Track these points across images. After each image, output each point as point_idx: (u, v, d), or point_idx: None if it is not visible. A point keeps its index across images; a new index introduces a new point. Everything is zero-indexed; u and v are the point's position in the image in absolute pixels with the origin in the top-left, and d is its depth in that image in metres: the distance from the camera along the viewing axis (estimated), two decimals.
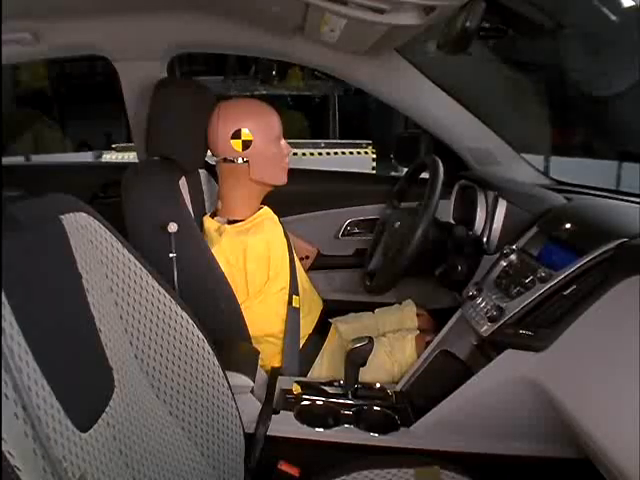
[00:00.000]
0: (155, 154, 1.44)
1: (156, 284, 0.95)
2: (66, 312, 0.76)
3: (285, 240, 1.51)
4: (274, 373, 1.36)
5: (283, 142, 1.48)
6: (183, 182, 1.41)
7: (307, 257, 1.89)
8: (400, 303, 1.80)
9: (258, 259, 1.39)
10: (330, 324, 1.64)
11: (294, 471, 1.14)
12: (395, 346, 1.55)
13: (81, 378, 0.74)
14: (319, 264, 2.00)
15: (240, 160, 1.40)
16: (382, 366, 1.51)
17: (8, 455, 0.57)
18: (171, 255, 1.24)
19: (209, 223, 1.44)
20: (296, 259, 1.54)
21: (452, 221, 1.76)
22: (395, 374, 1.51)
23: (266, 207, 1.51)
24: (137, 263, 0.93)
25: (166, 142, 1.42)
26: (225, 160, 1.41)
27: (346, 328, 1.66)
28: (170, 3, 1.50)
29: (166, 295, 0.97)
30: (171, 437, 0.94)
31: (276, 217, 1.53)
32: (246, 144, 1.39)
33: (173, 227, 1.23)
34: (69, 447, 0.68)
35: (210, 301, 1.29)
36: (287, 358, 1.43)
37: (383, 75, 1.72)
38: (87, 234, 0.85)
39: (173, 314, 0.97)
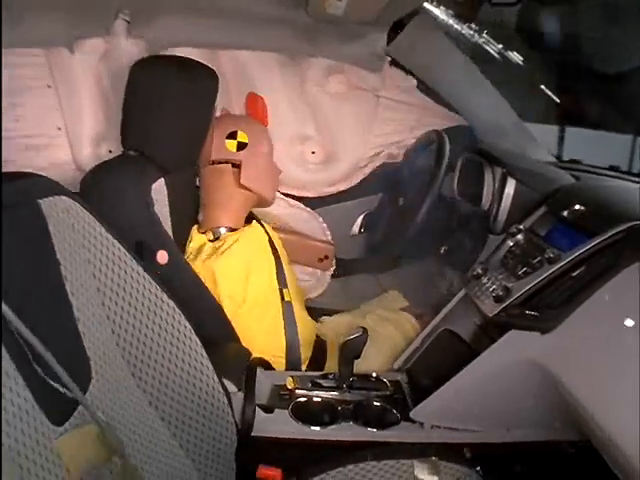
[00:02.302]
0: (129, 146, 1.27)
1: (141, 270, 0.92)
2: (41, 301, 0.73)
3: (270, 257, 1.43)
4: (252, 366, 1.23)
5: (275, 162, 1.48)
6: (160, 185, 1.24)
7: (326, 257, 1.78)
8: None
9: (230, 282, 1.31)
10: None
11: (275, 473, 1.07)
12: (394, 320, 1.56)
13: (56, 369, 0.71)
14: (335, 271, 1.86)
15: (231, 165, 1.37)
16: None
17: None
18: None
19: (196, 238, 1.40)
20: (282, 254, 1.49)
21: (457, 196, 1.71)
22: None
23: (254, 222, 1.46)
24: (121, 248, 0.90)
25: (142, 133, 1.25)
26: (214, 163, 1.38)
27: (336, 324, 1.64)
28: None
29: (152, 282, 0.93)
30: (150, 428, 0.91)
31: (262, 230, 1.45)
32: (241, 145, 1.38)
33: (164, 258, 1.15)
34: (44, 442, 0.66)
35: (195, 314, 1.11)
36: (291, 350, 1.40)
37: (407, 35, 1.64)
38: (68, 218, 0.81)
39: (159, 301, 0.94)
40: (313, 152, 1.81)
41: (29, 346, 0.64)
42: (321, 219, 1.81)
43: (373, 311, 1.68)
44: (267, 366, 1.29)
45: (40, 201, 0.76)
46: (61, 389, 0.67)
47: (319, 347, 1.53)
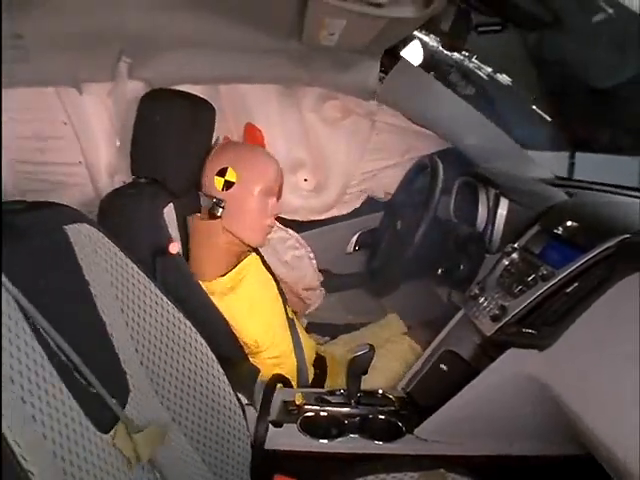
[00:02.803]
0: (139, 174, 1.33)
1: (159, 292, 0.96)
2: (78, 317, 0.77)
3: (273, 285, 1.44)
4: (271, 382, 1.28)
5: (273, 201, 1.35)
6: (170, 209, 1.29)
7: (295, 312, 1.74)
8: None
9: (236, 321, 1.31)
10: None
11: None
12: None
13: (99, 380, 0.74)
14: (332, 286, 1.91)
15: (220, 204, 1.29)
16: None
17: (22, 459, 0.57)
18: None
19: None
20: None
21: (453, 218, 1.74)
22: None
23: (248, 259, 1.37)
24: (140, 272, 0.94)
25: (151, 161, 1.30)
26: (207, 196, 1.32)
27: (342, 352, 1.64)
28: None
29: (169, 303, 0.97)
30: (174, 443, 0.94)
31: (258, 260, 1.42)
32: (228, 184, 1.28)
33: (175, 247, 1.18)
34: (90, 448, 0.69)
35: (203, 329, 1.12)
36: (300, 373, 1.42)
37: (392, 80, 1.66)
38: (91, 244, 0.85)
39: (176, 321, 0.98)
40: (305, 179, 1.84)
41: (70, 360, 0.68)
42: (309, 248, 1.83)
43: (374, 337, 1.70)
44: (286, 382, 1.30)
45: (66, 227, 0.81)
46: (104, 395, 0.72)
47: (319, 364, 1.55)
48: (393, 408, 1.29)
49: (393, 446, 1.19)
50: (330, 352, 1.65)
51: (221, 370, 1.03)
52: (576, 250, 1.14)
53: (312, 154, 1.81)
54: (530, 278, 1.19)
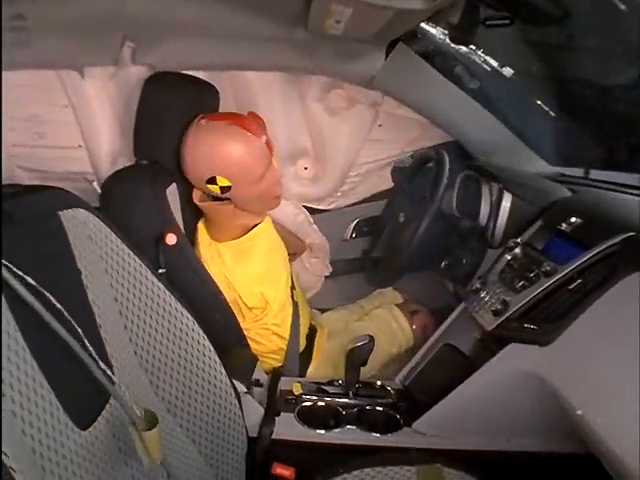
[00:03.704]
0: (142, 156, 1.33)
1: (155, 280, 0.95)
2: (65, 308, 0.75)
3: (276, 254, 1.46)
4: (275, 375, 1.33)
5: (272, 169, 1.31)
6: (173, 189, 1.30)
7: (295, 254, 1.80)
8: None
9: (248, 285, 1.34)
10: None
11: (289, 472, 1.12)
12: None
13: (81, 375, 0.73)
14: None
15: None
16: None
17: (4, 456, 0.56)
18: (160, 271, 1.14)
19: (203, 235, 1.36)
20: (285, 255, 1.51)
21: (456, 212, 1.73)
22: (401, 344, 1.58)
23: (263, 224, 1.40)
24: (136, 259, 0.92)
25: (153, 143, 1.31)
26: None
27: (327, 315, 1.71)
28: None
29: (166, 291, 0.96)
30: (169, 435, 0.93)
31: (268, 232, 1.44)
32: (224, 189, 1.25)
33: (172, 239, 1.18)
34: (68, 445, 0.67)
35: (206, 315, 1.14)
36: (290, 352, 1.43)
37: (390, 66, 1.66)
38: (86, 230, 0.84)
39: (173, 310, 0.96)
40: (306, 168, 1.84)
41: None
42: (307, 212, 1.85)
43: (368, 311, 1.76)
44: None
45: (60, 213, 0.79)
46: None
47: (310, 336, 1.57)
48: (391, 400, 1.30)
49: (390, 439, 1.19)
50: (323, 321, 1.70)
51: (218, 360, 1.02)
52: (579, 247, 1.13)
53: (314, 143, 1.80)
54: (533, 274, 1.18)
